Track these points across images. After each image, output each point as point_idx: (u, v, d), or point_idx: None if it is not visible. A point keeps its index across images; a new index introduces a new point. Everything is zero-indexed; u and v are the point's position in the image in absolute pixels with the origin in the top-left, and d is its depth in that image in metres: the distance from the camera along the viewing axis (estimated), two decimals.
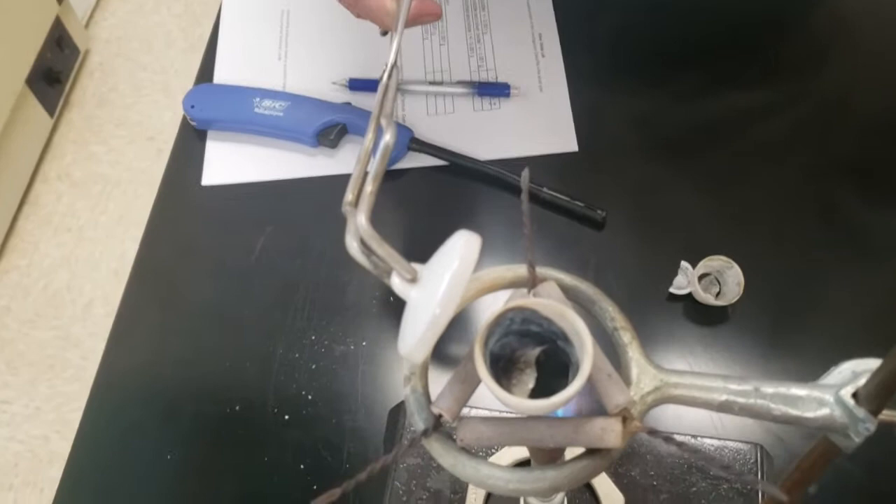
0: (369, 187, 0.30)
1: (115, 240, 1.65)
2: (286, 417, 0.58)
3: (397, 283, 0.29)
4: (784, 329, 0.60)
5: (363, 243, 0.29)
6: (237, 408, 0.58)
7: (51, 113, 1.73)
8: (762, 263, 0.61)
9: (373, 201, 0.30)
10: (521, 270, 0.33)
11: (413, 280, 0.29)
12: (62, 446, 1.40)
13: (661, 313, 0.61)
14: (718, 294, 0.61)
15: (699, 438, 0.53)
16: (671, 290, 0.61)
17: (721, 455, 0.52)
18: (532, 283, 0.33)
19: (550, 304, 0.30)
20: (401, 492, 0.53)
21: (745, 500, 0.51)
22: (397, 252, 0.29)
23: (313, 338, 0.61)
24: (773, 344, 0.60)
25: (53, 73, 1.72)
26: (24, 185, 1.68)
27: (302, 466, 0.56)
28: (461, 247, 0.27)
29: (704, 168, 0.68)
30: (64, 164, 1.74)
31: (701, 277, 0.61)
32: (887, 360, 0.28)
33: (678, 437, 0.52)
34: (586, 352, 0.28)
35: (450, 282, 0.27)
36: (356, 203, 0.31)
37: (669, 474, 0.52)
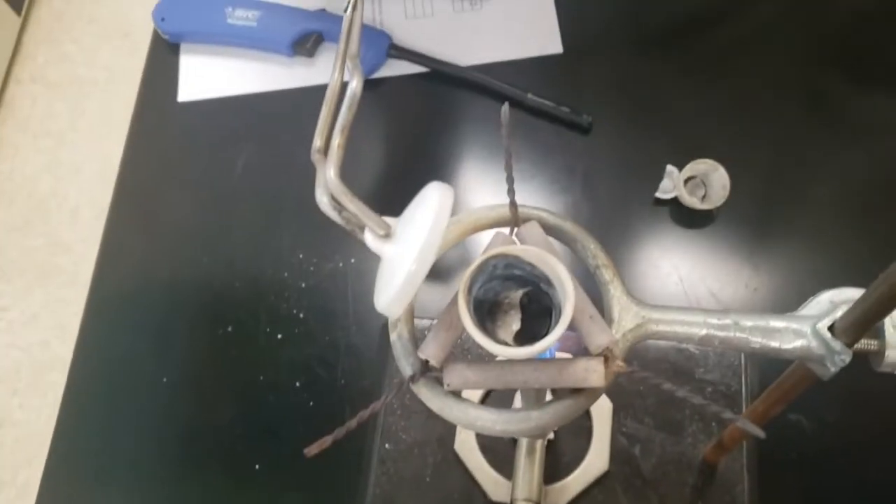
0: (337, 140, 0.29)
1: (97, 142, 1.62)
2: (279, 336, 0.59)
3: (370, 240, 0.29)
4: (770, 229, 0.61)
5: (334, 198, 0.29)
6: (229, 329, 0.59)
7: (17, 10, 1.67)
8: (748, 164, 0.61)
9: (342, 154, 0.29)
10: (502, 210, 0.33)
11: (387, 236, 0.28)
12: (62, 350, 1.42)
13: (647, 218, 0.61)
14: (704, 197, 0.61)
15: (685, 344, 0.54)
16: (657, 194, 0.61)
17: (706, 360, 0.54)
18: (514, 223, 0.33)
19: (532, 250, 0.30)
20: (395, 406, 0.54)
21: (728, 401, 0.53)
22: (369, 207, 0.28)
23: (301, 256, 0.61)
24: (759, 245, 0.60)
25: None
26: None
27: (297, 384, 0.57)
28: (435, 201, 0.27)
29: (692, 66, 0.66)
30: (37, 65, 1.69)
31: (687, 181, 0.60)
32: (864, 298, 0.28)
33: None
34: (567, 297, 0.29)
35: (426, 237, 0.27)
36: (325, 149, 0.31)
37: (655, 380, 0.54)
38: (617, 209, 0.62)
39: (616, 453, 0.52)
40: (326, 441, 0.30)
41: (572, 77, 0.66)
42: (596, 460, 0.52)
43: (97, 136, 1.63)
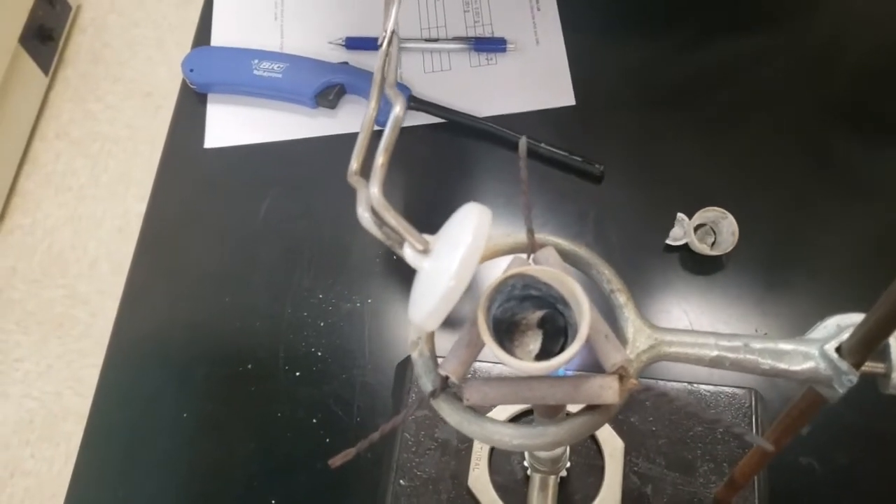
0: (381, 159, 0.30)
1: (117, 197, 1.66)
2: (297, 374, 0.60)
3: (409, 254, 0.30)
4: (778, 275, 0.62)
5: (375, 214, 0.30)
6: (249, 366, 0.60)
7: (45, 71, 1.73)
8: (756, 213, 0.63)
9: (384, 173, 0.30)
10: (520, 237, 0.35)
11: (425, 251, 0.30)
12: (76, 402, 1.43)
13: (658, 264, 0.63)
14: (713, 244, 0.62)
15: (696, 385, 0.55)
16: (668, 241, 0.62)
17: (717, 401, 0.55)
18: (531, 248, 0.34)
19: (549, 270, 0.31)
20: (410, 442, 0.55)
21: (740, 442, 0.53)
22: (409, 223, 0.30)
23: (320, 296, 0.63)
24: (767, 291, 0.61)
25: (46, 31, 1.71)
26: (22, 144, 1.68)
27: (314, 421, 0.58)
28: (474, 220, 0.28)
29: (700, 118, 0.69)
30: (61, 122, 1.74)
31: (696, 228, 0.62)
32: (868, 317, 0.29)
33: (673, 390, 0.55)
34: (583, 315, 0.30)
35: (464, 255, 0.27)
36: (360, 172, 0.32)
37: (667, 420, 0.55)
38: (628, 255, 0.64)
39: (628, 492, 0.52)
40: (350, 453, 0.31)
41: (585, 128, 0.68)
42: (608, 499, 0.52)
43: (117, 191, 1.67)
